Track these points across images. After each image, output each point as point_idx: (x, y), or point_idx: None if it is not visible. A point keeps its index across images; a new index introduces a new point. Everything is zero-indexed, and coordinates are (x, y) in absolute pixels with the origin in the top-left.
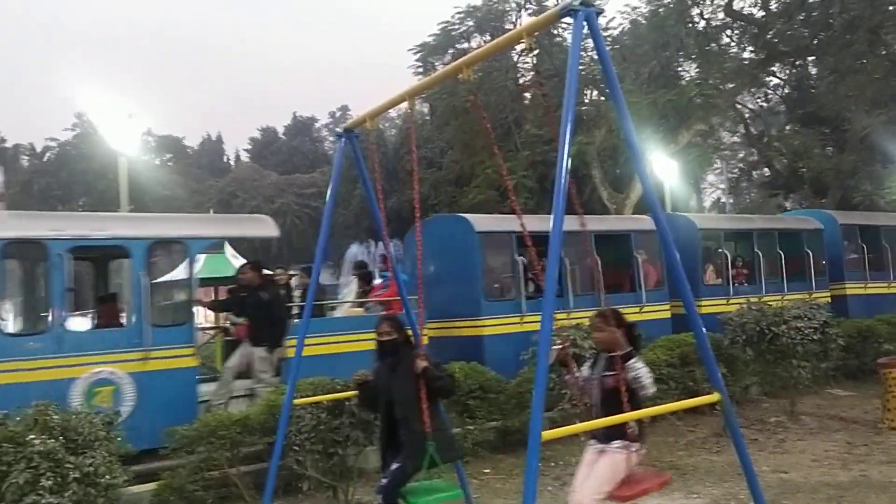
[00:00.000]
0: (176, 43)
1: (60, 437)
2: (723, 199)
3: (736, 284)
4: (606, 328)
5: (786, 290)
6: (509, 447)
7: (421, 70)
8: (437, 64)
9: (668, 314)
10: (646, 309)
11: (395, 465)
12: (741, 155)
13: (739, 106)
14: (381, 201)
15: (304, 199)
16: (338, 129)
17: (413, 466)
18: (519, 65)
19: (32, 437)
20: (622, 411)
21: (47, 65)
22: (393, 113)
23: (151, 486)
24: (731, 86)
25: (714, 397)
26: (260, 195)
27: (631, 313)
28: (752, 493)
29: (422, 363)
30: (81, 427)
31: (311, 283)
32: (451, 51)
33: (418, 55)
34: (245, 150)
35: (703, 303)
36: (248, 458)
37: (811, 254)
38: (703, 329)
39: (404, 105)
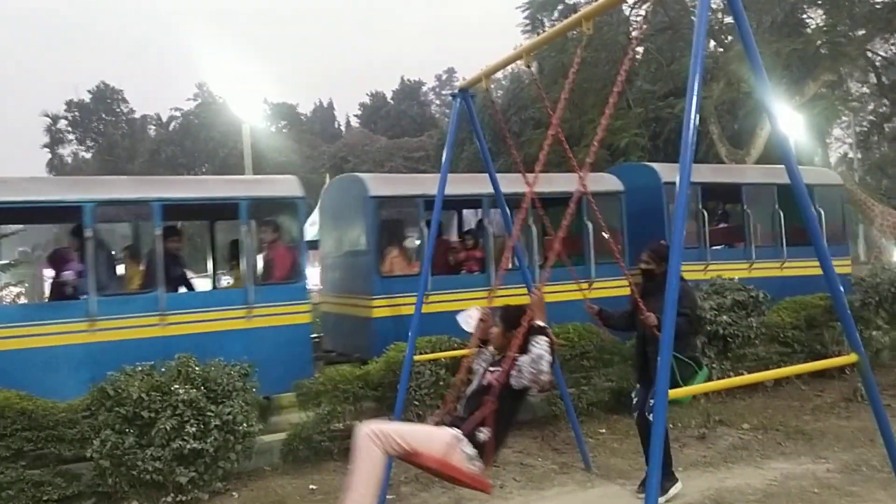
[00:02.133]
0: (287, 10)
1: (202, 387)
2: (850, 155)
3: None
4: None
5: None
6: (624, 408)
7: (529, 28)
8: (546, 21)
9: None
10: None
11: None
12: (871, 107)
13: (870, 54)
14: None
15: (412, 163)
16: (452, 90)
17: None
18: (631, 18)
19: (177, 386)
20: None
21: (173, 36)
22: (499, 74)
23: (282, 435)
24: (861, 32)
25: (851, 358)
26: (370, 159)
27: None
28: (891, 460)
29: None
30: (220, 378)
31: (429, 242)
32: (559, 7)
33: (526, 13)
34: (355, 115)
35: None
36: (369, 413)
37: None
38: (842, 289)
39: (514, 64)
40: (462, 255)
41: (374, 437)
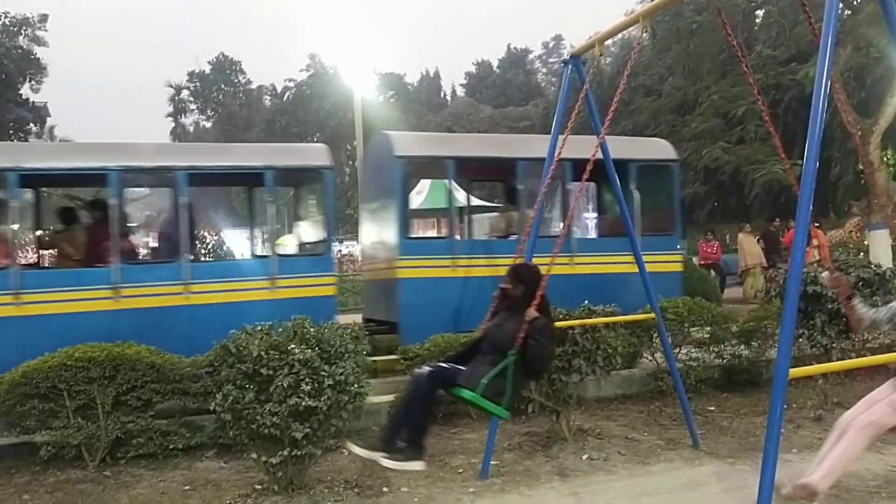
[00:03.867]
0: None
1: (316, 348)
2: None
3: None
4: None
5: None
6: (735, 386)
7: None
8: None
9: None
10: None
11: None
12: None
13: None
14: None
15: (518, 132)
16: (561, 57)
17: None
18: None
19: (293, 346)
20: None
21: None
22: (608, 41)
23: (389, 397)
24: None
25: None
26: (475, 129)
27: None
28: None
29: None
30: (333, 340)
31: (536, 213)
32: None
33: None
34: (461, 84)
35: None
36: None
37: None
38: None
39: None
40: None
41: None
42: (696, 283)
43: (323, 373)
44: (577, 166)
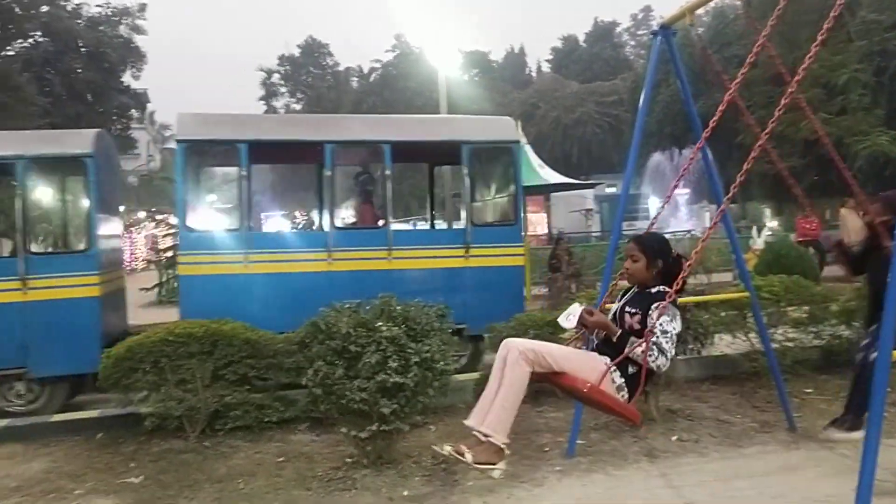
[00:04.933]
0: None
1: (402, 325)
2: None
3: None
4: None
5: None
6: (834, 368)
7: None
8: None
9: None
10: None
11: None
12: None
13: None
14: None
15: (605, 108)
16: (650, 29)
17: None
18: None
19: (380, 324)
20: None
21: None
22: (699, 10)
23: (475, 375)
24: None
25: None
26: (560, 105)
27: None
28: None
29: None
30: (419, 317)
31: (623, 192)
32: None
33: None
34: (546, 60)
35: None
36: None
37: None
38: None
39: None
40: None
41: (525, 353)
42: (794, 260)
43: (409, 350)
44: (398, 149)
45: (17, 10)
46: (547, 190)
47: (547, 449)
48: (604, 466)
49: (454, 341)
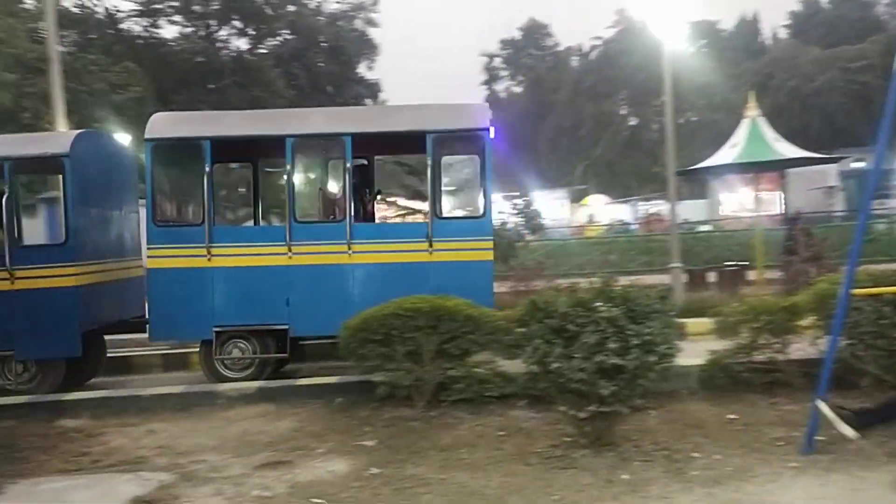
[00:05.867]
0: None
1: (623, 306)
2: None
3: None
4: None
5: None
6: None
7: None
8: None
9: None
10: None
11: None
12: None
13: None
14: None
15: (851, 75)
16: None
17: None
18: None
19: (599, 304)
20: None
21: None
22: None
23: (699, 360)
24: None
25: None
26: (799, 73)
27: None
28: None
29: None
30: (640, 299)
31: (874, 168)
32: None
33: None
34: (783, 26)
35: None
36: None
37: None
38: None
39: None
40: None
41: None
42: None
43: (629, 331)
44: (359, 141)
45: (268, 11)
46: (782, 166)
47: (781, 443)
48: (847, 466)
49: (676, 324)
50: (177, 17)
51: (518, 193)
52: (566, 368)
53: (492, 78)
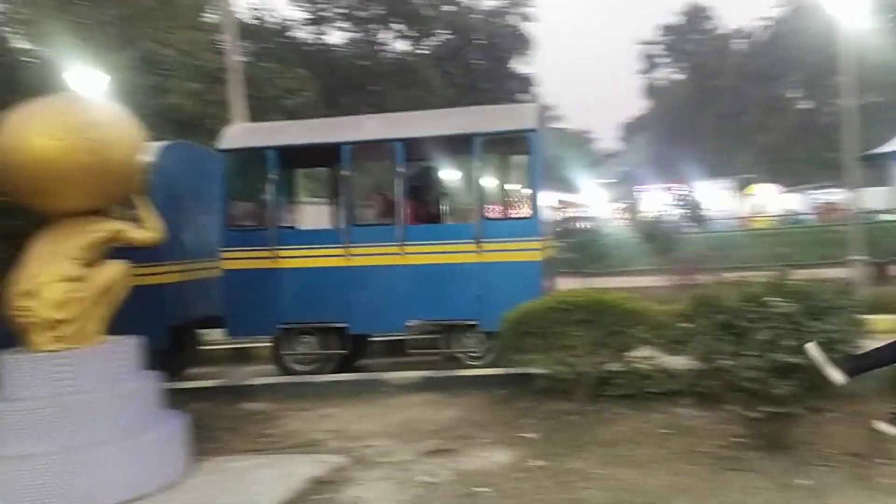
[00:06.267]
0: None
1: (799, 302)
2: None
3: None
4: None
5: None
6: None
7: None
8: None
9: None
10: None
11: None
12: None
13: None
14: None
15: None
16: None
17: None
18: None
19: (773, 299)
20: None
21: None
22: None
23: None
24: None
25: None
26: None
27: None
28: None
29: None
30: (819, 294)
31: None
32: None
33: None
34: None
35: None
36: None
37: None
38: None
39: None
40: None
41: None
42: None
43: (807, 328)
44: (409, 146)
45: (427, 12)
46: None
47: None
48: None
49: (860, 321)
50: (342, 24)
51: (678, 184)
52: (736, 366)
53: (651, 65)
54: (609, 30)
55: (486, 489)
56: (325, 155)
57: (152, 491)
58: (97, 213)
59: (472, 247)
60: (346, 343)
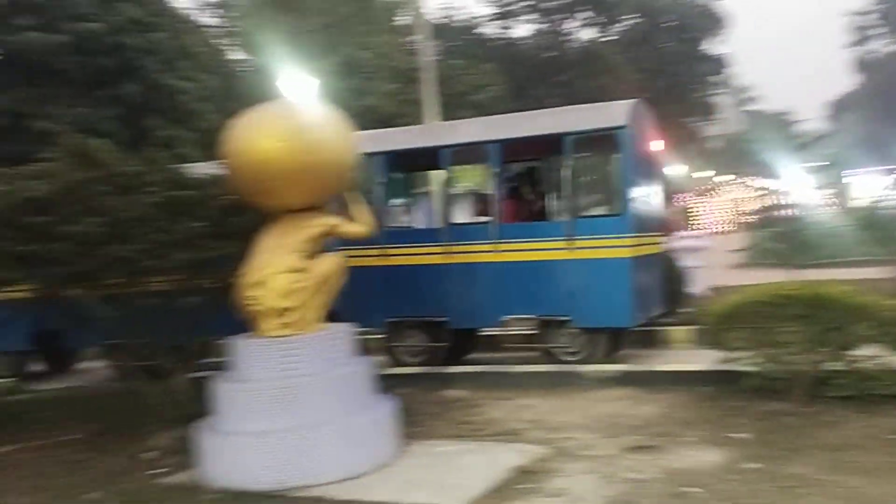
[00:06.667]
0: None
1: None
2: None
3: None
4: None
5: None
6: None
7: None
8: None
9: None
10: None
11: None
12: None
13: None
14: None
15: None
16: None
17: None
18: None
19: None
20: None
21: None
22: None
23: None
24: None
25: None
26: None
27: None
28: None
29: None
30: None
31: None
32: None
33: None
34: None
35: None
36: None
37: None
38: None
39: None
40: None
41: None
42: None
43: None
44: (504, 147)
45: None
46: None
47: None
48: None
49: None
50: (528, 16)
51: None
52: None
53: (862, 38)
54: (812, 2)
55: (696, 489)
56: (427, 158)
57: (368, 470)
58: (314, 209)
59: (564, 244)
60: (449, 337)
